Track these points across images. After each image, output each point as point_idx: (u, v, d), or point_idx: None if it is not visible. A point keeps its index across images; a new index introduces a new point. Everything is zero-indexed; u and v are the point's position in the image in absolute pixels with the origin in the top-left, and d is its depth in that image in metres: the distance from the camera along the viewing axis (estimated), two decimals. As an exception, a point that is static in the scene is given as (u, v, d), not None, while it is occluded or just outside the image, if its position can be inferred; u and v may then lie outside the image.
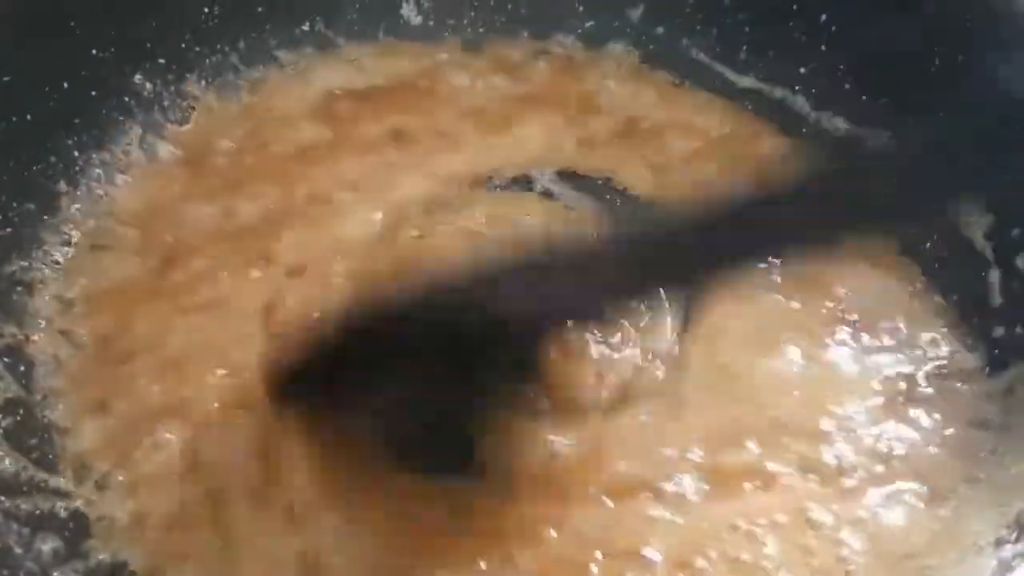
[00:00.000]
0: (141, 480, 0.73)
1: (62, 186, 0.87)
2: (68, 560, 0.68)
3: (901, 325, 0.83)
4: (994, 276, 0.83)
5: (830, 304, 0.84)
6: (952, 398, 0.79)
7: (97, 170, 0.89)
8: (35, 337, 0.79)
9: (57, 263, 0.84)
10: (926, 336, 0.83)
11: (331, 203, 0.90)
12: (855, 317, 0.83)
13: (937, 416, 0.78)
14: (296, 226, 0.88)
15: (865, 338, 0.82)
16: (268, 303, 0.83)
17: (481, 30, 1.06)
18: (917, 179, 0.64)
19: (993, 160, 0.83)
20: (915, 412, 0.78)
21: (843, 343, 0.81)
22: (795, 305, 0.83)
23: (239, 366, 0.78)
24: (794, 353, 0.81)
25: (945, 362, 0.81)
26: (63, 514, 0.71)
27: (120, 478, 0.73)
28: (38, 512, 0.70)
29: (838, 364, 0.80)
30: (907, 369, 0.80)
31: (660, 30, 1.04)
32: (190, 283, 0.84)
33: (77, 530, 0.70)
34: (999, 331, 0.80)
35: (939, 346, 0.82)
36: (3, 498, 0.68)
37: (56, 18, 0.86)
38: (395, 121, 0.97)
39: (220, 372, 0.78)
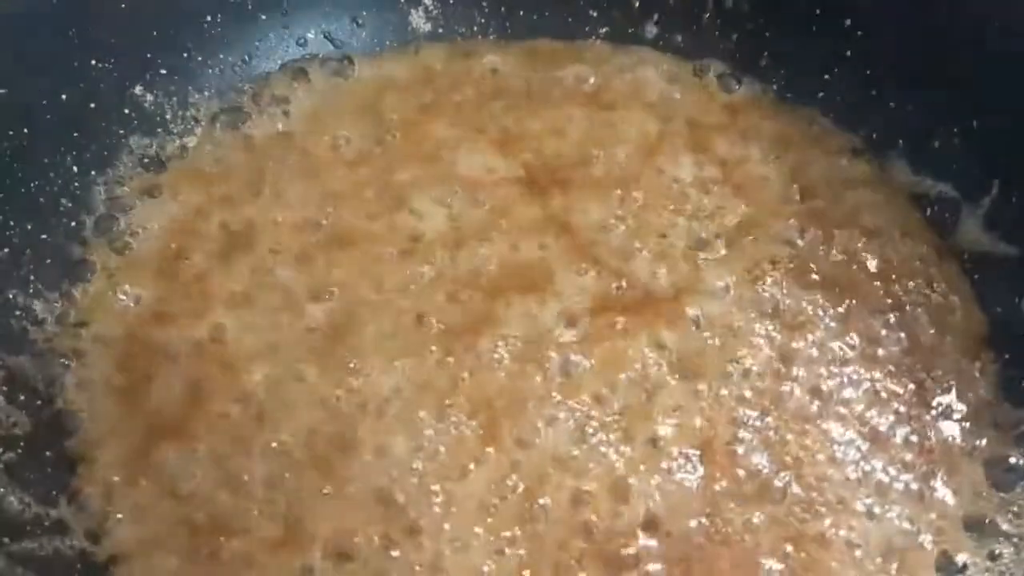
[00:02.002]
0: (148, 506, 0.70)
1: (63, 203, 0.83)
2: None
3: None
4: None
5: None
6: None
7: (99, 186, 0.86)
8: (37, 365, 0.76)
9: (60, 285, 0.80)
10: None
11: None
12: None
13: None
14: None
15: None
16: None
17: (492, 37, 1.03)
18: None
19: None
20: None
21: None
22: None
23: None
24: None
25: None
26: (69, 553, 0.68)
27: (126, 506, 0.70)
28: (43, 553, 0.66)
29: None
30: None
31: (679, 38, 1.01)
32: (206, 301, 0.80)
33: (85, 571, 0.67)
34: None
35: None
36: (7, 540, 0.64)
37: (53, 28, 0.82)
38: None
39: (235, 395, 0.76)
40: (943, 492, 0.73)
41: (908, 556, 0.70)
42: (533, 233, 0.86)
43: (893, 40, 0.91)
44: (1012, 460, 0.75)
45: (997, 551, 0.71)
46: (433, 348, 0.78)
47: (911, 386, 0.78)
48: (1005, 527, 0.72)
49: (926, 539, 0.71)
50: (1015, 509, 0.73)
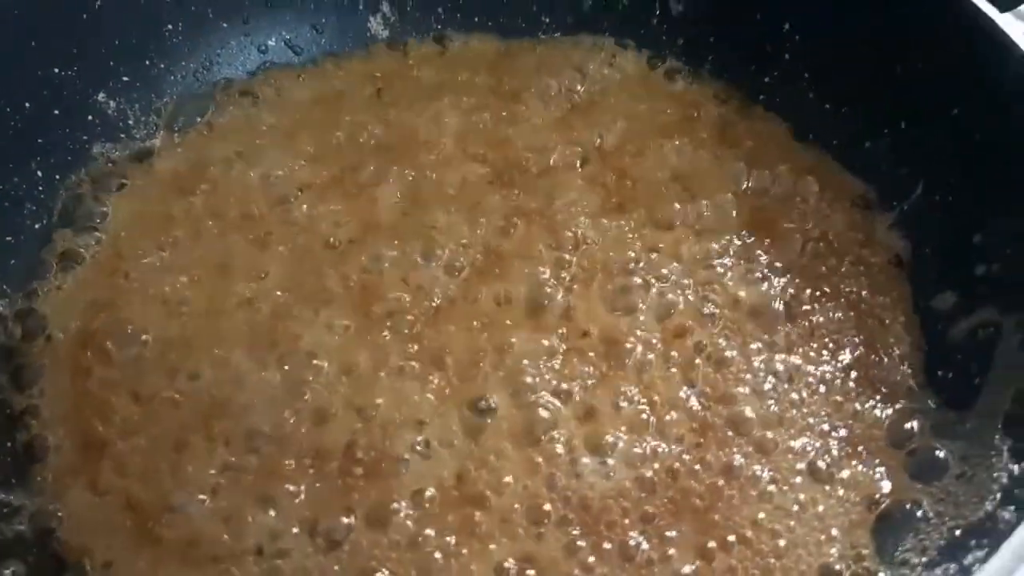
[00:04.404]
0: (102, 492, 0.74)
1: (27, 207, 0.87)
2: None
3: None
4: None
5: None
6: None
7: (63, 191, 0.89)
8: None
9: (22, 285, 0.84)
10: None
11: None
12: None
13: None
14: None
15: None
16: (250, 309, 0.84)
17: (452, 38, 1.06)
18: None
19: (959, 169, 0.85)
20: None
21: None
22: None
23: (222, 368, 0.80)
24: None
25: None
26: (28, 536, 0.71)
27: (81, 493, 0.74)
28: (1, 538, 0.70)
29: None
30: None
31: (629, 42, 1.04)
32: (167, 297, 0.84)
33: (40, 556, 0.70)
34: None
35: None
36: (-35, 526, 0.68)
37: (15, 36, 0.85)
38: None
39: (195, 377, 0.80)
40: (858, 472, 0.77)
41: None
42: (497, 221, 0.90)
43: (828, 45, 0.94)
44: (932, 450, 0.77)
45: (912, 536, 0.73)
46: (400, 332, 0.82)
47: (838, 364, 0.82)
48: (921, 513, 0.74)
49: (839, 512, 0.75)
50: (925, 500, 0.75)
